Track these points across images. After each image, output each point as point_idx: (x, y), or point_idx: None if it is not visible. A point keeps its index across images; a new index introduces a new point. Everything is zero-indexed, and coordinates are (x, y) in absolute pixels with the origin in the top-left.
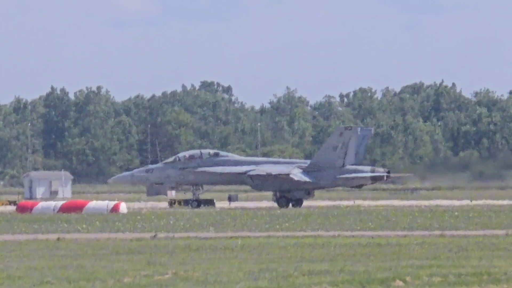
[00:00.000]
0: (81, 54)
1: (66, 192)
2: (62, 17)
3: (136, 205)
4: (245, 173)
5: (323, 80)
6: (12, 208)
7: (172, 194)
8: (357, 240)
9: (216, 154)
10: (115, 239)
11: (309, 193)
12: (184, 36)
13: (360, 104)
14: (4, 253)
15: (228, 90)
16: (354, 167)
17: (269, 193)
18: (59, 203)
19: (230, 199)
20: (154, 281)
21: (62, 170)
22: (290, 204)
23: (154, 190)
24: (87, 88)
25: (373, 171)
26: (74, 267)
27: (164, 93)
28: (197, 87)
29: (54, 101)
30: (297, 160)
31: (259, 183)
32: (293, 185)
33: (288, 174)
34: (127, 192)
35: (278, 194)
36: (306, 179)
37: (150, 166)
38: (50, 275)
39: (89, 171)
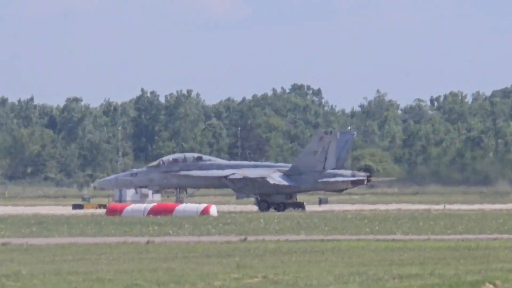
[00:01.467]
0: (171, 57)
1: (155, 195)
2: (153, 19)
3: (226, 207)
4: (226, 177)
5: (413, 83)
6: (102, 211)
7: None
8: (447, 244)
9: (199, 158)
10: (205, 242)
11: (290, 197)
12: (274, 39)
13: (451, 108)
14: (94, 256)
15: (318, 93)
16: (334, 171)
17: (357, 197)
18: (149, 206)
19: (320, 202)
20: (244, 284)
21: None
22: (274, 208)
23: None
24: (177, 91)
25: (353, 175)
26: (164, 270)
27: (254, 96)
28: (288, 90)
29: (145, 104)
30: (280, 164)
31: (240, 186)
32: (272, 189)
33: (264, 178)
34: (217, 195)
35: (259, 197)
36: (285, 182)
37: (135, 170)
38: (140, 277)
39: None
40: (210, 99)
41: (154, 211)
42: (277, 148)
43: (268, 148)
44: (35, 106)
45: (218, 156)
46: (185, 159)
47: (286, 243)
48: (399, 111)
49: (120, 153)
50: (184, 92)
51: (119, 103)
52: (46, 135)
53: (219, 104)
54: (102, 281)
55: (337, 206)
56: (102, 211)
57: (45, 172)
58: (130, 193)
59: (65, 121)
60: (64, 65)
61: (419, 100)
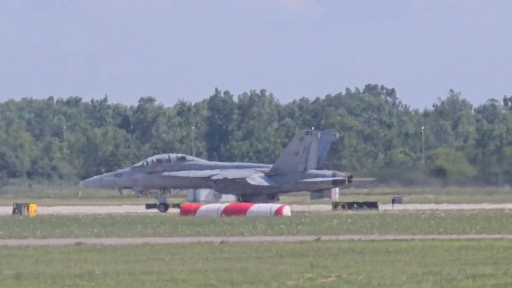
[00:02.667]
0: (245, 57)
1: (229, 195)
2: (227, 19)
3: (300, 207)
4: (209, 177)
5: (487, 83)
6: (176, 210)
7: (336, 196)
8: None
9: (183, 158)
10: (279, 242)
11: (272, 197)
12: (348, 39)
13: None
14: (168, 256)
15: (391, 93)
16: (316, 171)
17: (432, 196)
18: (223, 206)
19: (393, 201)
20: (318, 284)
21: None
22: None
23: (317, 193)
24: (251, 91)
25: (334, 175)
26: (238, 270)
27: (328, 96)
28: (361, 90)
29: (218, 104)
30: (262, 165)
31: (222, 187)
32: (253, 189)
33: (244, 178)
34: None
35: (240, 198)
36: (265, 183)
37: (119, 170)
38: (214, 278)
39: None
40: (284, 98)
41: (227, 211)
42: (351, 148)
43: (341, 148)
44: (108, 106)
45: None
46: (168, 160)
47: (359, 242)
48: (473, 111)
49: (193, 153)
50: (258, 91)
51: (193, 103)
52: (120, 135)
53: (293, 103)
54: (175, 281)
55: (411, 205)
56: (176, 211)
57: None
58: (204, 193)
59: (139, 121)
60: (138, 65)
61: (492, 100)
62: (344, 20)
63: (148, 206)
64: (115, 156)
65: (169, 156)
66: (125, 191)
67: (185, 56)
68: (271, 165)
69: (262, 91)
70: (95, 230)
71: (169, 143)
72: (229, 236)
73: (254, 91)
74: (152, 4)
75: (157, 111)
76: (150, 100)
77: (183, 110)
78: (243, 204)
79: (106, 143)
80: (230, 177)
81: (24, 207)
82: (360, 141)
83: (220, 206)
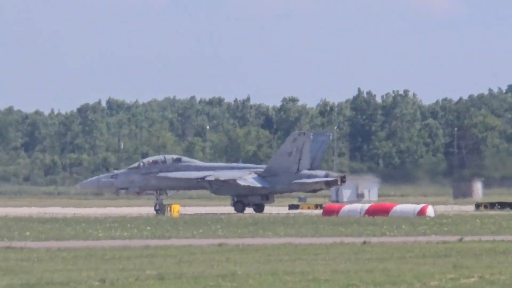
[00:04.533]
0: (388, 57)
1: (372, 195)
2: (368, 19)
3: (442, 208)
4: (203, 178)
5: None
6: (318, 211)
7: (479, 195)
8: None
9: (178, 160)
10: (421, 242)
11: (267, 198)
12: (491, 38)
13: None
14: (311, 256)
15: None
16: (309, 172)
17: None
18: (365, 206)
19: None
20: (460, 285)
21: (369, 173)
22: (251, 209)
23: None
24: (394, 91)
25: (327, 176)
26: (380, 270)
27: (470, 96)
28: (504, 90)
29: (361, 104)
30: (257, 166)
31: (217, 188)
32: (245, 190)
33: (235, 180)
34: (435, 195)
35: (235, 198)
36: (257, 184)
37: (115, 172)
38: (356, 278)
39: (396, 174)
40: (427, 99)
41: (370, 211)
42: (493, 148)
43: (484, 148)
44: (251, 106)
45: (434, 155)
46: (164, 161)
47: (502, 243)
48: None
49: (336, 153)
50: (401, 92)
51: (336, 103)
52: (262, 135)
53: (435, 104)
54: (318, 282)
55: None
56: (319, 211)
57: None
58: (347, 193)
59: (281, 121)
60: (281, 65)
61: None
62: (486, 20)
63: (291, 206)
64: (258, 156)
65: (164, 158)
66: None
67: (328, 56)
68: (264, 166)
69: (405, 91)
70: (238, 230)
71: None
72: (371, 236)
73: (397, 91)
74: (295, 6)
75: (300, 111)
76: (293, 100)
77: (325, 110)
78: (386, 205)
79: (249, 143)
80: (221, 178)
81: (167, 207)
82: (503, 141)
83: (363, 206)
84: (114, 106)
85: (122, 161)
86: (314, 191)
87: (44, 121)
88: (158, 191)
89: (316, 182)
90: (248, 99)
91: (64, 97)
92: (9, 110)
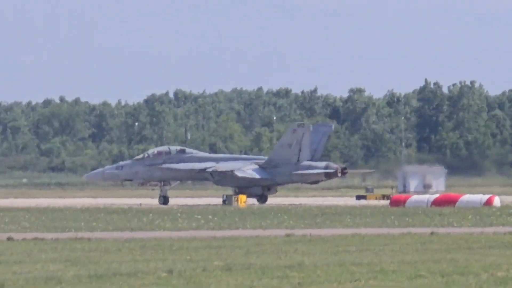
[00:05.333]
0: (455, 48)
1: (439, 186)
2: (435, 12)
3: (509, 198)
4: (205, 169)
5: None
6: (385, 202)
7: None
8: None
9: (182, 151)
10: (488, 233)
11: (269, 189)
12: None
13: None
14: (378, 247)
15: None
16: (309, 163)
17: None
18: (432, 197)
19: None
20: None
21: (436, 163)
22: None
23: None
24: (460, 82)
25: (326, 167)
26: (447, 261)
27: None
28: None
29: (428, 95)
30: (259, 157)
31: (219, 179)
32: (246, 182)
33: (232, 171)
34: (502, 185)
35: (236, 190)
36: (256, 175)
37: (121, 163)
38: (423, 269)
39: (463, 164)
40: (493, 89)
41: (437, 202)
42: None
43: None
44: (318, 97)
45: (502, 147)
46: (168, 152)
47: None
48: None
49: (403, 144)
50: (468, 83)
51: (402, 94)
52: None
53: (502, 95)
54: (385, 273)
55: None
56: (386, 202)
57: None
58: (413, 184)
59: (349, 112)
60: (348, 56)
61: None
62: None
63: (358, 197)
64: (325, 147)
65: (169, 149)
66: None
67: (395, 47)
68: (265, 158)
69: (472, 82)
70: (305, 221)
71: (379, 134)
72: (438, 227)
73: (464, 82)
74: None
75: (367, 102)
76: (360, 90)
77: (392, 101)
78: (452, 195)
79: None
80: (220, 169)
81: (234, 198)
82: None
83: (429, 197)
84: (181, 97)
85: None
86: (315, 182)
87: (111, 112)
88: (162, 182)
89: (316, 174)
90: (315, 90)
91: (131, 88)
92: (76, 101)
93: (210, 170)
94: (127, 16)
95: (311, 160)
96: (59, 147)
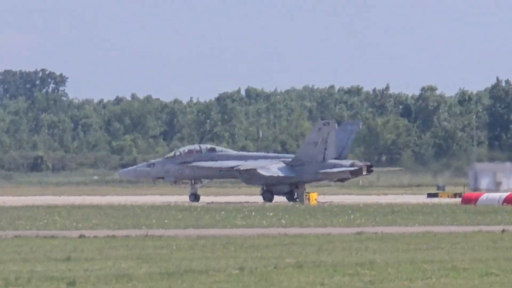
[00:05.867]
0: None
1: (510, 184)
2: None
3: None
4: (232, 168)
5: None
6: (457, 200)
7: None
8: None
9: (212, 149)
10: None
11: (296, 187)
12: None
13: None
14: (449, 245)
15: None
16: (334, 161)
17: None
18: (504, 195)
19: None
20: None
21: (507, 161)
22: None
23: None
24: None
25: (352, 165)
26: None
27: None
28: None
29: (500, 93)
30: (286, 155)
31: (247, 177)
32: (272, 180)
33: (255, 169)
34: None
35: (264, 187)
36: (281, 174)
37: (152, 161)
38: (495, 266)
39: None
40: None
41: (509, 200)
42: None
43: None
44: (390, 95)
45: None
46: (199, 150)
47: None
48: None
49: (474, 142)
50: None
51: (474, 92)
52: (401, 124)
53: None
54: (457, 270)
55: None
56: (457, 200)
57: (399, 160)
58: (484, 181)
59: (420, 110)
60: (419, 54)
61: None
62: None
63: (429, 195)
64: (396, 145)
65: (200, 147)
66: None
67: (466, 45)
68: (292, 156)
69: None
70: (376, 219)
71: (450, 131)
72: (510, 225)
73: None
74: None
75: (439, 100)
76: (432, 89)
77: (464, 99)
78: None
79: (387, 132)
80: (244, 168)
81: (306, 195)
82: None
83: (501, 195)
84: (252, 95)
85: (261, 150)
86: (341, 180)
87: (183, 110)
88: (193, 180)
89: (342, 172)
90: (387, 88)
91: (203, 85)
92: (148, 98)
93: (235, 168)
94: (199, 14)
95: (339, 158)
96: (130, 145)
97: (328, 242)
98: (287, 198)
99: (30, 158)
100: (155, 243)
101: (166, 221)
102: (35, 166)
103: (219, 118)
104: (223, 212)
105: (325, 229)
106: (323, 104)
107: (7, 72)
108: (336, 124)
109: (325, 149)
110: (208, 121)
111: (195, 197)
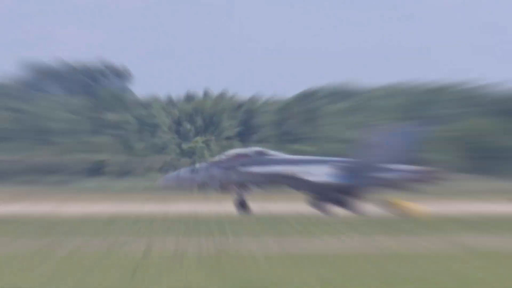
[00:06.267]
0: None
1: None
2: None
3: None
4: (278, 174)
5: None
6: None
7: None
8: None
9: (260, 153)
10: None
11: (349, 194)
12: None
13: None
14: None
15: None
16: (392, 166)
17: None
18: None
19: None
20: None
21: None
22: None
23: None
24: None
25: (414, 171)
26: None
27: None
28: None
29: None
30: (340, 159)
31: (294, 184)
32: (321, 186)
33: (295, 175)
34: None
35: (315, 195)
36: (329, 179)
37: (196, 166)
38: None
39: None
40: None
41: None
42: None
43: None
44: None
45: None
46: (246, 155)
47: None
48: None
49: None
50: None
51: None
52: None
53: None
54: None
55: None
56: None
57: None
58: None
59: None
60: None
61: None
62: None
63: None
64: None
65: (246, 151)
66: None
67: None
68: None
69: None
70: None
71: None
72: None
73: None
74: None
75: None
76: None
77: None
78: None
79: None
80: (285, 173)
81: (387, 203)
82: None
83: None
84: (338, 93)
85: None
86: (399, 187)
87: (261, 109)
88: (240, 187)
89: (401, 178)
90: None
91: (283, 81)
92: (222, 96)
93: (285, 174)
94: (281, 10)
95: (401, 163)
96: (202, 147)
97: None
98: (338, 205)
99: (90, 162)
100: None
101: None
102: (96, 171)
103: (301, 118)
104: None
105: None
106: (414, 102)
107: (66, 67)
108: (398, 125)
109: (381, 153)
110: (289, 120)
111: (242, 206)
